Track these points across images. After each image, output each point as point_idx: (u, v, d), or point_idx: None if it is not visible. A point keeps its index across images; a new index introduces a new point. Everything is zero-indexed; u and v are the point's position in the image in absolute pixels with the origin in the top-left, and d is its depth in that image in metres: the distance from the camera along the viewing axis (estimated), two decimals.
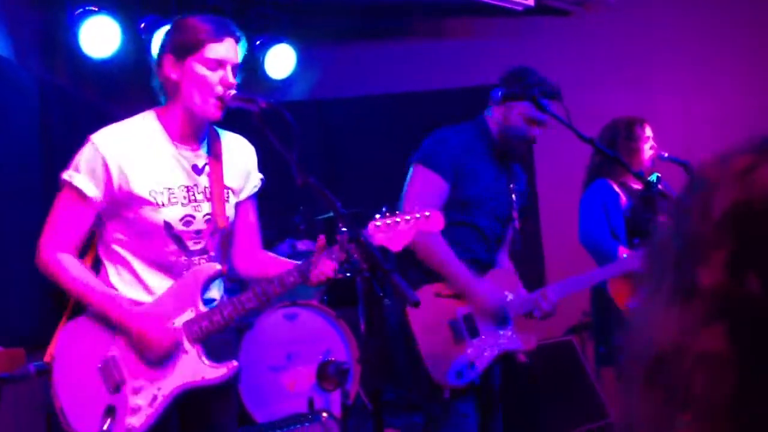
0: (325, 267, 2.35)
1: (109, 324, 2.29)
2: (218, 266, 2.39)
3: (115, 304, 2.27)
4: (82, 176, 2.28)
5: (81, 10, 4.71)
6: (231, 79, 2.32)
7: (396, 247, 2.36)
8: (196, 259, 2.35)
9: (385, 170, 5.78)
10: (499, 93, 3.14)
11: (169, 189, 2.31)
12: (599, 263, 3.46)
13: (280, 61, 5.64)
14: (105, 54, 4.86)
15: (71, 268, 2.28)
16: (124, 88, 5.16)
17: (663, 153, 3.69)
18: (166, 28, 2.49)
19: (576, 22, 5.97)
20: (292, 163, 2.40)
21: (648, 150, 3.71)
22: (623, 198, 3.64)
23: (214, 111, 2.31)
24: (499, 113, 3.13)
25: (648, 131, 3.76)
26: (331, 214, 4.80)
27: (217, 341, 2.37)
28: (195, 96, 2.31)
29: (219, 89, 2.30)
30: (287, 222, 4.70)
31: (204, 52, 2.28)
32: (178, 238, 2.33)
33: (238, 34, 2.40)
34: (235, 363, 2.36)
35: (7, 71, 4.30)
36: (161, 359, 2.25)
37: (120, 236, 2.35)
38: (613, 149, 3.67)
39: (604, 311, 3.63)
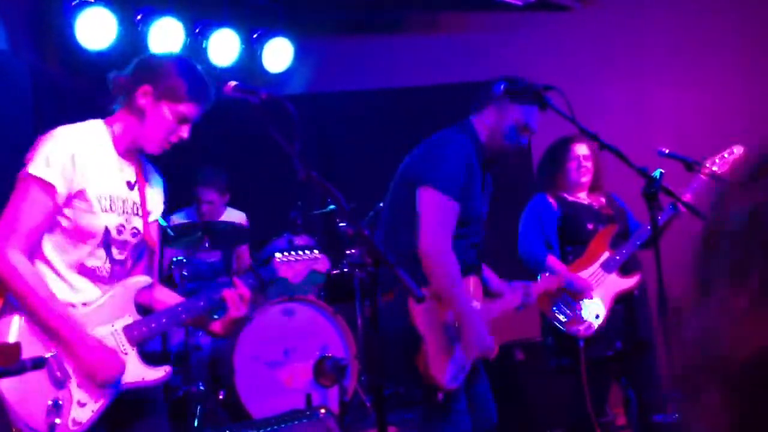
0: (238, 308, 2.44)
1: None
2: (149, 279, 2.49)
3: (70, 328, 2.24)
4: (53, 171, 2.25)
5: (77, 1, 4.66)
6: (186, 135, 2.44)
7: (296, 280, 2.61)
8: (116, 268, 2.40)
9: (380, 164, 5.76)
10: (502, 86, 3.10)
11: (111, 197, 2.36)
12: (532, 271, 3.64)
13: (278, 54, 5.61)
14: (101, 46, 4.81)
15: (26, 273, 2.21)
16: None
17: (663, 149, 3.67)
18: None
19: (570, 17, 5.95)
20: (293, 157, 2.38)
21: (577, 169, 3.80)
22: (555, 207, 3.76)
23: (157, 150, 2.43)
24: (491, 116, 3.07)
25: (580, 150, 3.81)
26: (328, 209, 4.79)
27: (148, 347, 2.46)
28: (153, 133, 2.40)
29: (173, 139, 2.42)
30: (284, 217, 4.67)
31: (180, 106, 2.38)
32: (108, 246, 2.36)
33: (212, 99, 2.48)
34: (169, 368, 2.42)
35: (0, 61, 4.25)
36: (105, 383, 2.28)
37: (50, 235, 2.31)
38: (552, 166, 3.81)
39: (545, 317, 3.76)
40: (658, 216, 3.15)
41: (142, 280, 2.46)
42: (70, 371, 2.24)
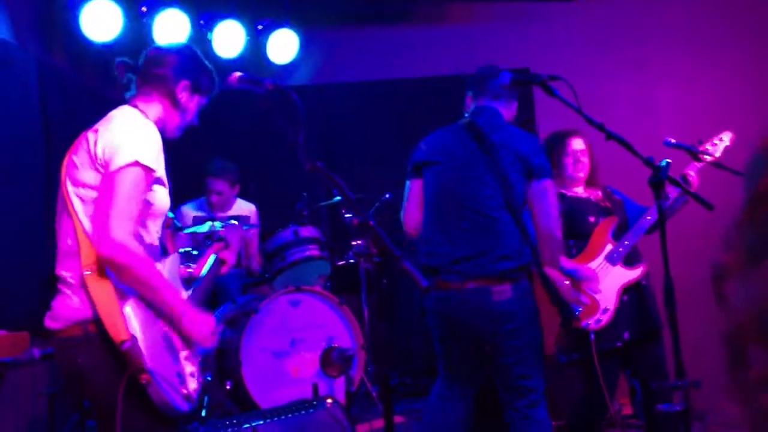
0: None
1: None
2: (179, 257, 2.64)
3: (184, 305, 2.38)
4: (149, 155, 2.31)
5: None
6: (196, 122, 2.65)
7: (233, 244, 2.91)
8: (158, 246, 2.50)
9: (385, 155, 5.78)
10: (508, 77, 3.10)
11: (165, 178, 2.47)
12: None
13: (283, 45, 5.60)
14: (106, 38, 4.81)
15: (147, 260, 2.27)
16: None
17: (670, 139, 3.67)
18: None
19: (576, 8, 5.92)
20: (299, 147, 2.38)
21: (573, 164, 3.83)
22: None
23: (178, 136, 2.61)
24: (512, 107, 3.30)
25: (576, 145, 3.83)
26: (334, 200, 4.79)
27: None
28: (183, 122, 2.58)
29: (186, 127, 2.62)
30: (290, 208, 4.68)
31: (204, 99, 2.61)
32: (164, 224, 2.49)
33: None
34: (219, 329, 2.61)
35: (6, 53, 4.26)
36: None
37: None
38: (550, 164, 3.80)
39: None
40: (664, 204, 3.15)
41: (178, 256, 2.62)
42: (178, 345, 2.36)
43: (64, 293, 2.30)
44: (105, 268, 2.24)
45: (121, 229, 2.20)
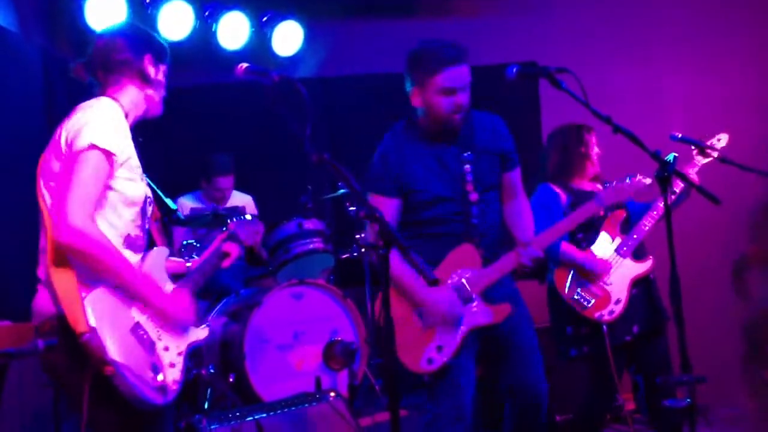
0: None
1: (128, 295, 2.33)
2: (167, 250, 2.65)
3: (153, 287, 2.40)
4: (110, 140, 2.29)
5: None
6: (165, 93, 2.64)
7: (247, 242, 3.00)
8: (145, 238, 2.50)
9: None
10: (515, 69, 3.10)
11: (139, 167, 2.44)
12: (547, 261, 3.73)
13: (288, 37, 5.59)
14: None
15: (107, 243, 2.25)
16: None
17: (676, 134, 3.66)
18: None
19: (582, 1, 5.89)
20: (305, 139, 2.37)
21: (596, 156, 3.87)
22: (563, 197, 3.77)
23: (161, 111, 2.60)
24: None
25: (594, 138, 3.90)
26: (338, 193, 4.78)
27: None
28: (158, 95, 2.59)
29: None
30: (294, 201, 4.67)
31: (165, 66, 2.60)
32: (144, 215, 2.45)
33: None
34: (207, 327, 2.65)
35: (10, 43, 4.25)
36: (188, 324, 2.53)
37: (100, 209, 2.32)
38: (565, 154, 3.79)
39: (560, 307, 3.75)
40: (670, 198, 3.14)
41: (166, 249, 2.61)
42: (154, 336, 2.35)
43: (40, 289, 2.31)
44: (67, 259, 2.21)
45: (78, 215, 2.18)
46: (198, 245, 4.30)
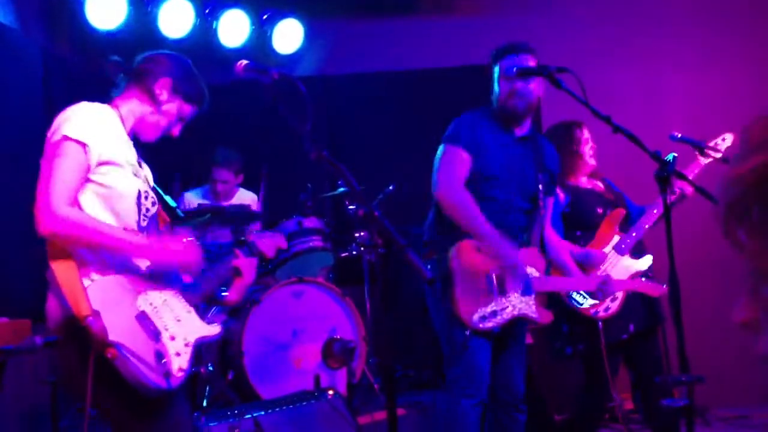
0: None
1: (130, 282, 2.35)
2: None
3: (149, 243, 2.39)
4: (85, 132, 2.31)
5: None
6: (177, 134, 2.62)
7: (270, 254, 2.90)
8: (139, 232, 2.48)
9: (390, 147, 5.76)
10: (514, 69, 3.17)
11: (132, 165, 2.44)
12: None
13: (288, 35, 5.58)
14: (111, 26, 4.80)
15: (87, 219, 2.27)
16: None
17: (675, 133, 3.66)
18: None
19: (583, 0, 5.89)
20: (305, 137, 2.37)
21: (588, 151, 3.86)
22: (561, 196, 3.79)
23: (151, 140, 2.56)
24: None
25: (586, 134, 3.88)
26: (338, 191, 4.78)
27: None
28: (157, 122, 2.54)
29: (167, 133, 2.59)
30: (294, 199, 4.67)
31: (187, 106, 2.58)
32: (138, 210, 2.44)
33: (204, 110, 2.69)
34: (220, 325, 2.64)
35: (10, 40, 4.25)
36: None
37: (93, 199, 2.34)
38: (560, 151, 3.77)
39: (555, 305, 3.75)
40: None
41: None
42: (160, 325, 2.36)
43: (48, 296, 2.31)
44: (64, 249, 2.25)
45: (55, 202, 2.22)
46: (199, 243, 4.29)
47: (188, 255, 2.47)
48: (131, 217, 2.40)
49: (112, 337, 2.17)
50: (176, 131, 2.59)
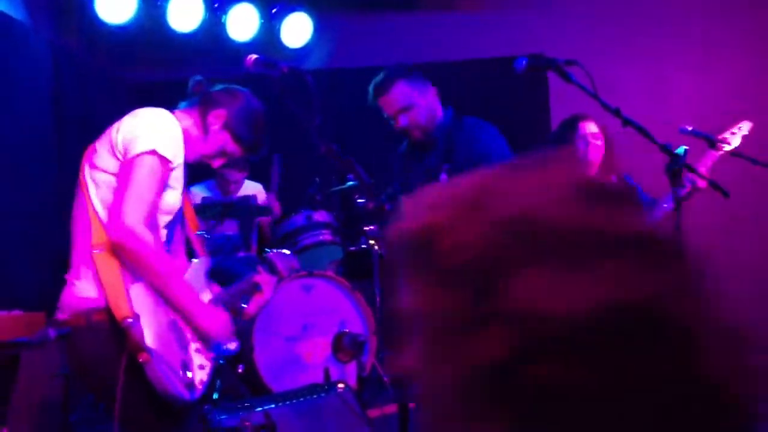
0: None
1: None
2: (209, 261, 2.72)
3: (196, 302, 2.41)
4: (168, 147, 2.33)
5: None
6: (216, 167, 2.67)
7: (285, 273, 2.97)
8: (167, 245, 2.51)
9: (397, 141, 5.74)
10: (524, 62, 3.11)
11: (182, 179, 2.50)
12: None
13: (296, 29, 5.58)
14: (120, 20, 4.80)
15: (156, 250, 2.28)
16: (139, 56, 5.11)
17: (686, 127, 3.64)
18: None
19: None
20: (313, 130, 2.37)
21: (585, 146, 3.79)
22: None
23: (188, 161, 2.56)
24: None
25: (588, 128, 3.79)
26: (347, 185, 4.78)
27: None
28: (200, 149, 2.56)
29: (205, 162, 2.62)
30: (303, 193, 4.67)
31: (233, 145, 2.57)
32: (174, 224, 2.50)
33: (258, 157, 2.75)
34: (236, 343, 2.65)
35: (19, 35, 4.26)
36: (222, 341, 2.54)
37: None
38: (560, 145, 3.74)
39: None
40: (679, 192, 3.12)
41: (207, 260, 2.69)
42: (189, 335, 2.39)
43: (70, 283, 2.31)
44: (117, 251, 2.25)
45: (132, 216, 2.21)
46: (208, 236, 4.31)
47: (223, 330, 2.47)
48: (165, 230, 2.45)
49: (147, 342, 2.19)
50: (216, 164, 2.61)
